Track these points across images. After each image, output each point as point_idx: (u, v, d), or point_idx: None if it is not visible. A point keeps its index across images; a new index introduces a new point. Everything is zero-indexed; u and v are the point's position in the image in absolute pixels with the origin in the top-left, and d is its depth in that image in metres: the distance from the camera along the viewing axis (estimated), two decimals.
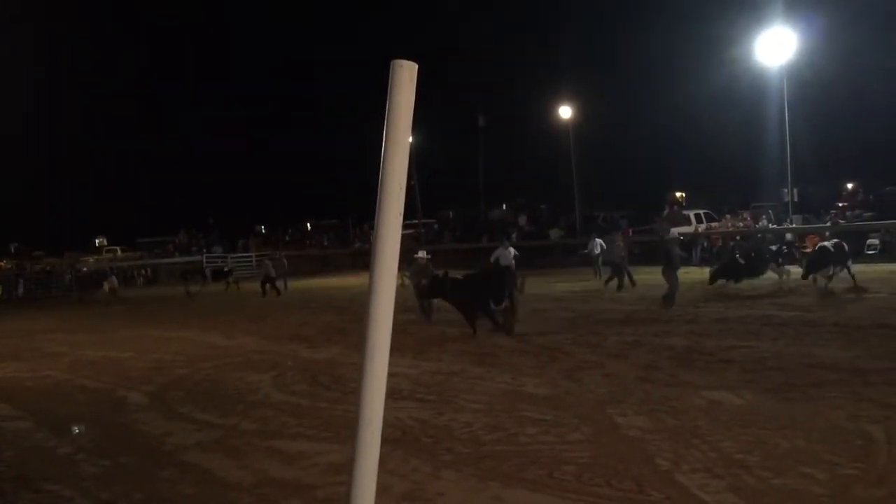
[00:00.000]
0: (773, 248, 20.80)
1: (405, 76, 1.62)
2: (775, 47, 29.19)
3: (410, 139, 1.67)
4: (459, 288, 14.83)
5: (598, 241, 25.25)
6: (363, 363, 1.61)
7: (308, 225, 59.42)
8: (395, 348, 8.26)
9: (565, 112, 40.65)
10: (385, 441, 7.04)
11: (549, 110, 42.41)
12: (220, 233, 54.42)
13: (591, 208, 42.35)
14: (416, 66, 1.63)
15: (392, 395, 9.01)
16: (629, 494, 5.40)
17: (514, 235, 40.30)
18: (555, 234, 37.27)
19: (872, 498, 5.13)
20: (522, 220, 43.11)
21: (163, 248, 52.23)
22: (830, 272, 17.19)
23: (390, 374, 7.06)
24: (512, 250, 21.81)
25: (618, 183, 49.35)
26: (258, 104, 70.30)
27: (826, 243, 17.95)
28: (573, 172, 40.02)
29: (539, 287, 22.41)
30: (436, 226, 48.68)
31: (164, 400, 10.11)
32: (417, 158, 46.20)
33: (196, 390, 10.66)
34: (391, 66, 1.62)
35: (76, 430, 8.78)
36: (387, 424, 7.48)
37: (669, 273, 16.66)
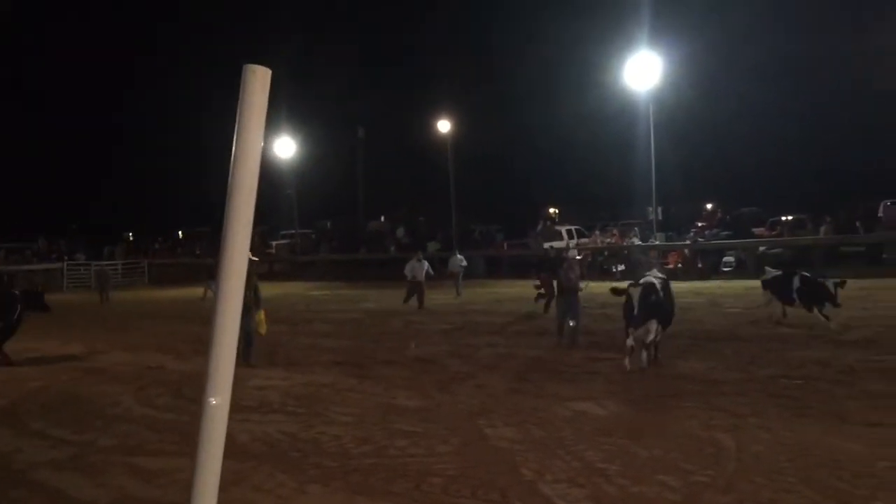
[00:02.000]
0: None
1: (257, 81, 1.58)
2: (643, 72, 30.61)
3: (261, 145, 1.63)
4: None
5: (460, 256, 25.17)
6: (207, 372, 1.55)
7: (179, 233, 57.41)
8: (267, 360, 8.12)
9: (444, 126, 41.14)
10: (251, 456, 6.86)
11: (429, 124, 42.83)
12: (84, 240, 51.75)
13: (468, 222, 42.93)
14: (270, 72, 1.60)
15: (260, 408, 8.85)
16: None
17: (392, 249, 40.32)
18: (432, 247, 37.53)
19: (720, 503, 5.40)
20: (400, 232, 43.19)
21: (21, 254, 49.16)
22: (652, 335, 10.69)
23: (260, 387, 6.95)
24: (426, 264, 21.20)
25: (495, 197, 50.34)
26: (121, 110, 67.00)
27: (652, 280, 11.06)
28: (451, 186, 40.51)
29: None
30: (313, 236, 48.07)
31: (15, 414, 9.47)
32: (295, 168, 45.62)
33: (51, 404, 10.05)
34: (243, 71, 1.58)
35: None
36: (253, 438, 7.32)
37: (562, 302, 13.33)
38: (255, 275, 12.11)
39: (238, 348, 6.87)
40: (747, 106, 37.74)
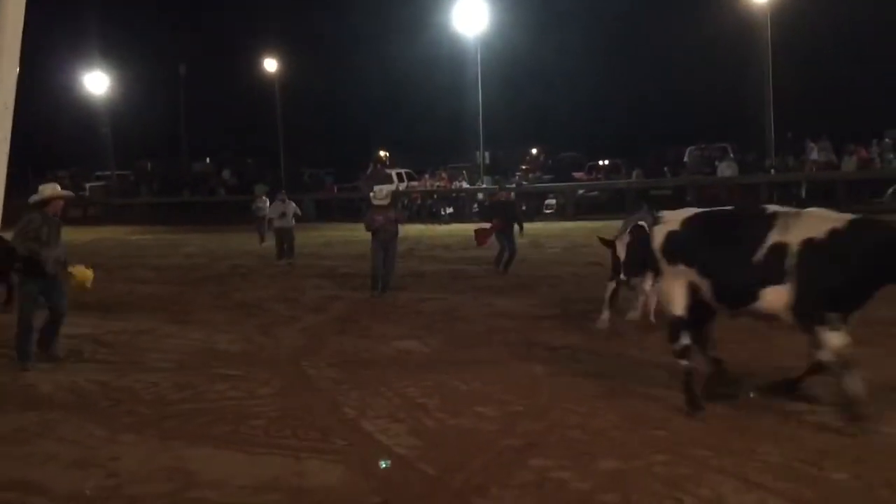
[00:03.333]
0: None
1: None
2: (471, 18, 30.94)
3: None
4: None
5: (267, 200, 22.75)
6: None
7: None
8: (76, 307, 7.51)
9: (271, 65, 39.93)
10: (57, 406, 6.45)
11: (256, 62, 41.43)
12: None
13: (297, 164, 42.12)
14: None
15: (69, 357, 8.36)
16: (314, 444, 5.49)
17: (222, 191, 38.85)
18: (260, 189, 36.54)
19: (534, 430, 5.67)
20: (227, 174, 41.71)
21: None
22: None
23: (69, 335, 6.47)
24: (292, 205, 17.75)
25: (325, 140, 49.53)
26: None
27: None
28: (279, 127, 39.55)
29: (243, 242, 21.94)
30: (132, 178, 45.47)
31: None
32: (111, 106, 42.90)
33: None
34: None
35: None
36: (60, 388, 6.89)
37: (377, 247, 12.39)
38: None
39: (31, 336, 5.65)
40: (569, 54, 39.11)
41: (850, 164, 24.76)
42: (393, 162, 43.40)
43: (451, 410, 6.16)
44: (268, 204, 22.29)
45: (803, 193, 25.50)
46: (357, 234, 20.63)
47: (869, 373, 5.72)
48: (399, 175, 34.24)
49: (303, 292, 12.93)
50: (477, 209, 27.42)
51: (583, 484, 4.67)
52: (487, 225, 15.24)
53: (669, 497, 4.44)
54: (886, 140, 26.01)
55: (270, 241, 19.10)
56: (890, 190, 23.51)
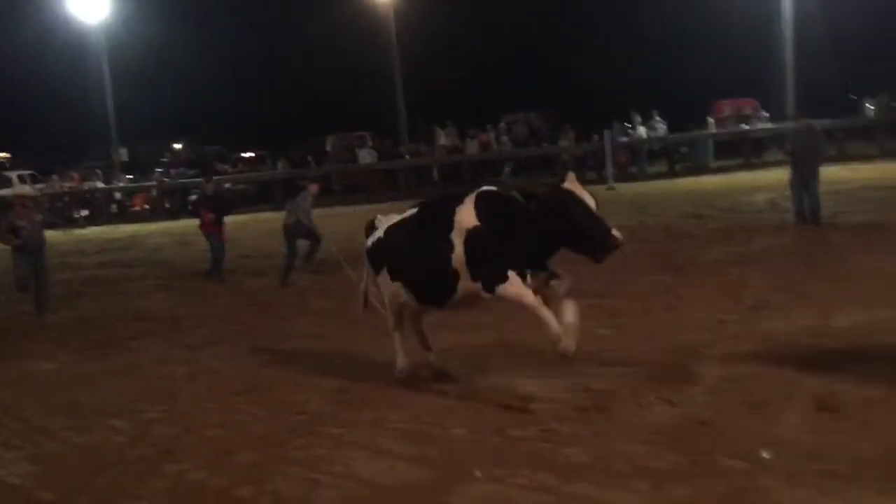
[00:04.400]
0: None
1: None
2: (91, 4, 28.78)
3: None
4: None
5: None
6: None
7: None
8: None
9: None
10: None
11: None
12: None
13: None
14: None
15: None
16: None
17: None
18: None
19: (169, 435, 5.44)
20: None
21: None
22: None
23: None
24: None
25: None
26: None
27: None
28: None
29: None
30: None
31: None
32: None
33: None
34: None
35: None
36: None
37: (24, 261, 10.23)
38: None
39: None
40: (206, 46, 38.04)
41: (472, 147, 27.20)
42: (16, 164, 38.75)
43: (78, 428, 5.72)
44: None
45: (435, 176, 27.55)
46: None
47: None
48: (21, 177, 30.59)
49: None
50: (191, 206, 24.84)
51: (219, 480, 4.60)
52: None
53: (304, 479, 4.52)
54: (502, 124, 29.07)
55: None
56: (506, 168, 26.39)
